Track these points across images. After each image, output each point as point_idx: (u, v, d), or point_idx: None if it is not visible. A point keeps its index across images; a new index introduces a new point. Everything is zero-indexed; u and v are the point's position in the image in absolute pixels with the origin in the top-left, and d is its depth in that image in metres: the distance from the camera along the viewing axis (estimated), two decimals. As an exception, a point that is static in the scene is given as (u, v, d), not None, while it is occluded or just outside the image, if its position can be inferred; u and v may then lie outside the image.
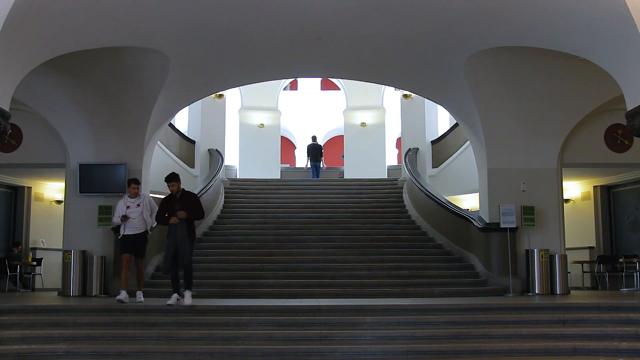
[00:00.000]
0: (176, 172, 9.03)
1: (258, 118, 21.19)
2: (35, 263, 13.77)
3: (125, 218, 9.56)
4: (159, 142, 13.99)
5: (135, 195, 9.65)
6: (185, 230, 8.55)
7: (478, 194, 12.92)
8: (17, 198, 14.53)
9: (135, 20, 8.66)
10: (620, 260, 13.24)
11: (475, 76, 10.96)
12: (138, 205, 9.56)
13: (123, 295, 9.08)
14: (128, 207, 9.62)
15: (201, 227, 14.50)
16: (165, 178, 8.85)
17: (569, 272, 12.34)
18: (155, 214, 9.33)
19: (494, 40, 9.50)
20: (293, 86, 27.06)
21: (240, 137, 21.15)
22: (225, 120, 19.42)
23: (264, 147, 20.98)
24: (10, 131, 9.66)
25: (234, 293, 10.66)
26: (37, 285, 13.90)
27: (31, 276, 13.72)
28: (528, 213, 11.61)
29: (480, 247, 12.08)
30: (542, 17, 8.01)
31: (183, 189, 9.02)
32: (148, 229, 9.65)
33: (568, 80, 11.24)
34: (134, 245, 9.55)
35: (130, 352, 7.37)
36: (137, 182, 9.83)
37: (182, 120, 18.90)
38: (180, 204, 8.72)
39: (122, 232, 9.63)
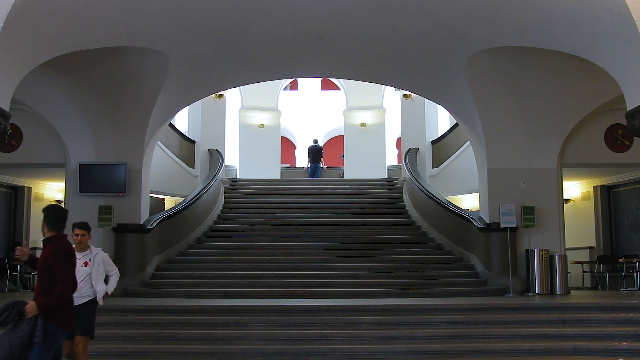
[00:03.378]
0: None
1: (258, 118, 21.17)
2: (35, 263, 13.75)
3: None
4: (159, 142, 13.98)
5: (83, 247, 6.26)
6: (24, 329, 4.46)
7: (478, 194, 12.92)
8: (17, 198, 14.52)
9: (135, 20, 8.65)
10: (620, 260, 13.24)
11: (476, 76, 10.96)
12: (86, 263, 6.20)
13: None
14: None
15: (201, 227, 14.51)
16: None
17: (569, 272, 12.33)
18: (114, 276, 6.46)
19: (494, 40, 9.50)
20: (293, 86, 27.03)
21: (240, 137, 21.13)
22: (225, 120, 19.40)
23: (264, 147, 20.96)
24: (10, 131, 9.65)
25: (234, 293, 10.65)
26: (37, 285, 13.87)
27: (31, 276, 13.70)
28: (528, 213, 11.62)
29: (480, 247, 12.07)
30: (542, 17, 8.00)
31: (53, 235, 4.85)
32: (98, 298, 6.22)
33: (568, 80, 11.23)
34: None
35: (130, 352, 7.39)
36: (83, 226, 6.28)
37: (182, 120, 18.88)
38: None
39: None
